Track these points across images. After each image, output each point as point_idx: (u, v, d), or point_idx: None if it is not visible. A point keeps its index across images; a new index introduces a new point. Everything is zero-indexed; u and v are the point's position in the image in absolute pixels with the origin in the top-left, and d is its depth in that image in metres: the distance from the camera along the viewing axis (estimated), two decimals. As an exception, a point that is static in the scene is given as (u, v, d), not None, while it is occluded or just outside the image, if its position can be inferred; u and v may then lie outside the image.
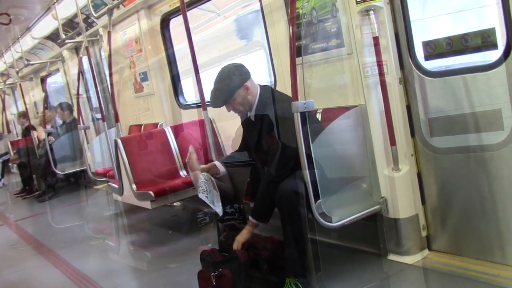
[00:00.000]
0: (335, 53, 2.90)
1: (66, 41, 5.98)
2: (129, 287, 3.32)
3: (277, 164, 2.55)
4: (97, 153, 5.68)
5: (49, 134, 6.77)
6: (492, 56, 2.32)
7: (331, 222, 2.49)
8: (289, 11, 2.94)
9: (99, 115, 6.93)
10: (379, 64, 2.62)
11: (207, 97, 2.91)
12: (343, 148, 2.74)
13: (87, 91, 7.08)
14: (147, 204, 3.94)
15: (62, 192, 7.17)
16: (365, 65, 2.68)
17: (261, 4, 3.40)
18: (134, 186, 3.94)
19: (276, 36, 3.33)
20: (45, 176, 6.98)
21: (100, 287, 3.22)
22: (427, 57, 2.57)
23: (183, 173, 4.23)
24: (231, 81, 2.66)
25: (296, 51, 2.42)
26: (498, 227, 2.44)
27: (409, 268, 2.65)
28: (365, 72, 2.69)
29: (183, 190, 3.89)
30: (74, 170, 6.82)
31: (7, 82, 9.85)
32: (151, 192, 3.76)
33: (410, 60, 2.63)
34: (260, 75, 3.79)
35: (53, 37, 6.99)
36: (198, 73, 3.30)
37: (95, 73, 5.71)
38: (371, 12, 2.59)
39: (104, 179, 5.45)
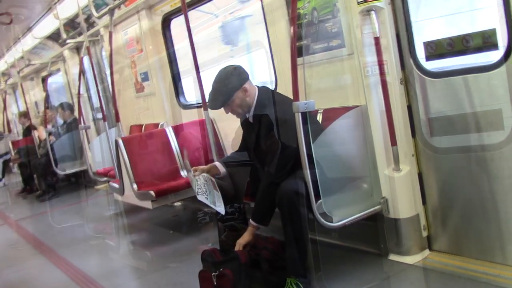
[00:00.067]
0: (336, 54, 2.90)
1: (67, 41, 6.00)
2: (130, 287, 3.32)
3: (277, 165, 2.53)
4: (98, 153, 5.68)
5: (50, 133, 6.77)
6: (492, 56, 2.33)
7: (332, 222, 2.49)
8: (290, 11, 2.94)
9: (100, 115, 6.97)
10: (380, 64, 2.62)
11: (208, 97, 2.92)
12: (344, 148, 2.74)
13: (87, 90, 7.09)
14: (147, 204, 3.94)
15: (62, 191, 7.17)
16: (366, 64, 2.68)
17: (262, 4, 3.40)
18: (135, 186, 3.94)
19: (277, 36, 3.33)
20: (45, 175, 6.99)
21: (101, 287, 3.23)
22: (428, 58, 2.57)
23: (184, 173, 4.23)
24: (230, 83, 2.64)
25: (297, 51, 2.42)
26: (498, 227, 2.44)
27: (409, 268, 2.65)
28: (366, 72, 2.68)
29: (184, 190, 3.88)
30: (74, 170, 6.83)
31: (8, 82, 9.87)
32: (152, 192, 3.76)
33: (411, 61, 2.63)
34: (259, 75, 3.79)
35: (54, 36, 7.01)
36: (199, 73, 3.31)
37: (96, 73, 5.72)
38: (372, 12, 2.59)
39: (105, 178, 5.45)
